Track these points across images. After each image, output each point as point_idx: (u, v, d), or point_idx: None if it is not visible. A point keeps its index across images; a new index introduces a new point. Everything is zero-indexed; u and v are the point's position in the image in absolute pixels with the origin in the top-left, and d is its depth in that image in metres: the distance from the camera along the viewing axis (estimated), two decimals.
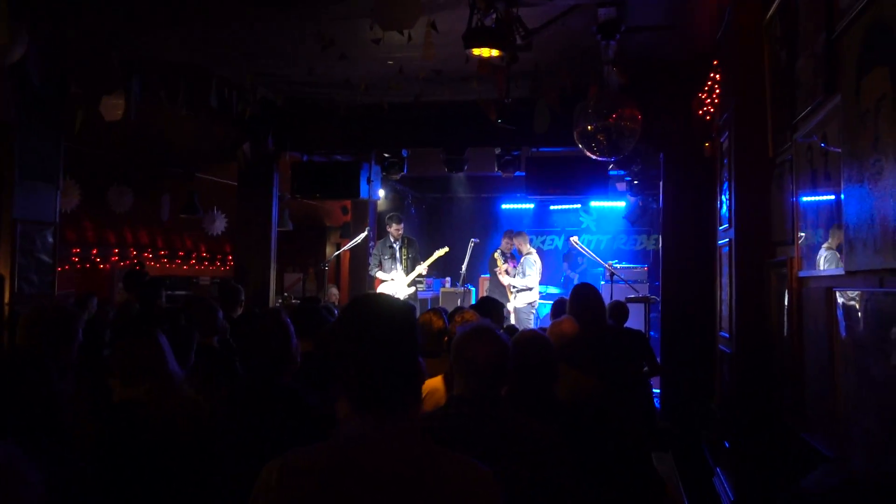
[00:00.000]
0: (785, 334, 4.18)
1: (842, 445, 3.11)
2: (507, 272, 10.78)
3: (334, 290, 11.91)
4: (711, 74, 6.09)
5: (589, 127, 5.87)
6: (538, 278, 10.60)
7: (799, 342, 3.90)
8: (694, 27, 6.14)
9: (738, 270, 4.98)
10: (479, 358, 2.57)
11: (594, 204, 14.08)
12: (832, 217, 3.40)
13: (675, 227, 7.69)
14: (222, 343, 4.96)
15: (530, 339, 3.27)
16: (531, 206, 14.88)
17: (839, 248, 3.23)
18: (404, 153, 9.11)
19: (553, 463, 2.57)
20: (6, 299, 5.83)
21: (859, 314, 2.90)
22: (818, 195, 3.68)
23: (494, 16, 4.86)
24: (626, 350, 5.74)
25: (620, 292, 9.73)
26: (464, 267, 10.98)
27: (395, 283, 9.98)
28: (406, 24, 4.53)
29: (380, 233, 11.36)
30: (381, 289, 9.92)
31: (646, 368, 6.13)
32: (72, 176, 9.20)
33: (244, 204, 9.06)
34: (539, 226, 15.09)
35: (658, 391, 7.51)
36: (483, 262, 12.51)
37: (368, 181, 9.20)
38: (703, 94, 6.33)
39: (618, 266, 11.20)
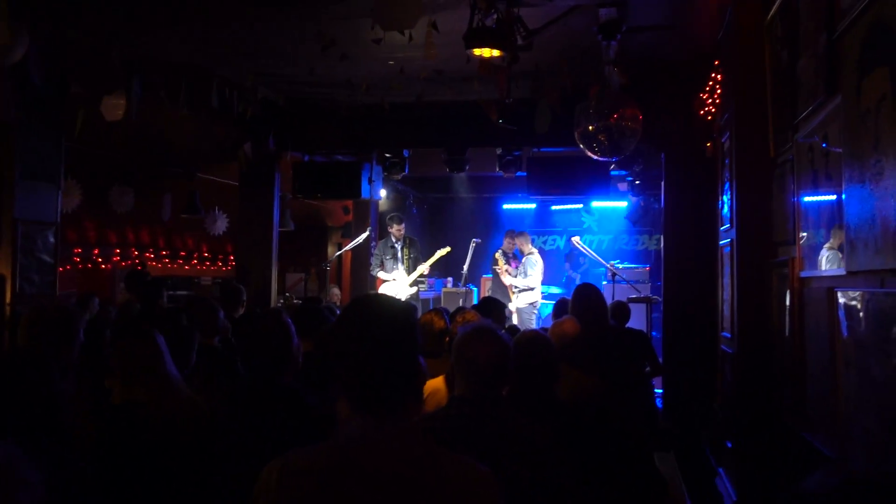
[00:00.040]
0: (786, 334, 4.18)
1: (843, 445, 3.11)
2: (508, 272, 10.77)
3: (336, 291, 11.92)
4: (712, 74, 6.08)
5: (590, 127, 5.86)
6: (540, 278, 10.59)
7: (800, 342, 3.89)
8: (695, 27, 6.14)
9: (740, 270, 4.97)
10: (480, 358, 2.57)
11: (596, 204, 14.07)
12: (834, 217, 3.39)
13: (676, 228, 7.68)
14: (224, 343, 4.96)
15: (531, 340, 3.27)
16: (533, 206, 14.88)
17: (841, 248, 3.22)
18: (406, 153, 9.11)
19: (553, 463, 2.57)
20: (7, 299, 5.83)
21: (860, 314, 2.90)
22: (819, 195, 3.67)
23: (495, 16, 4.86)
24: (627, 350, 5.73)
25: (622, 292, 9.73)
26: (465, 267, 10.97)
27: (397, 283, 9.98)
28: (407, 25, 4.53)
29: (381, 233, 11.35)
30: (382, 289, 9.92)
31: (648, 369, 6.12)
32: (73, 176, 9.20)
33: (245, 204, 9.06)
34: (541, 226, 15.08)
35: (660, 391, 7.51)
36: (485, 263, 12.51)
37: (370, 181, 9.20)
38: (704, 94, 6.32)
39: (619, 266, 11.20)
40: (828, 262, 3.48)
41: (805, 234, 3.92)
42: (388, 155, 9.09)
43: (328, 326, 4.31)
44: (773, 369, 4.59)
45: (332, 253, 13.06)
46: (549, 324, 5.25)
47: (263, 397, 2.93)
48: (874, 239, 2.68)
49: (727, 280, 5.42)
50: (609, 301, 6.54)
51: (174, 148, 9.79)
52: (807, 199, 3.90)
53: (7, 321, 5.73)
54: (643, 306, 9.63)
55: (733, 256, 5.10)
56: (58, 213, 6.36)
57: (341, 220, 13.45)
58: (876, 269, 2.68)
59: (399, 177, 9.51)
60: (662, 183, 7.90)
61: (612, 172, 9.45)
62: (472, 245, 10.96)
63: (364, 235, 10.96)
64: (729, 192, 5.31)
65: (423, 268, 10.06)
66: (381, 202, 11.89)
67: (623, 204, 12.39)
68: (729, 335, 5.38)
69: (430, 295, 11.89)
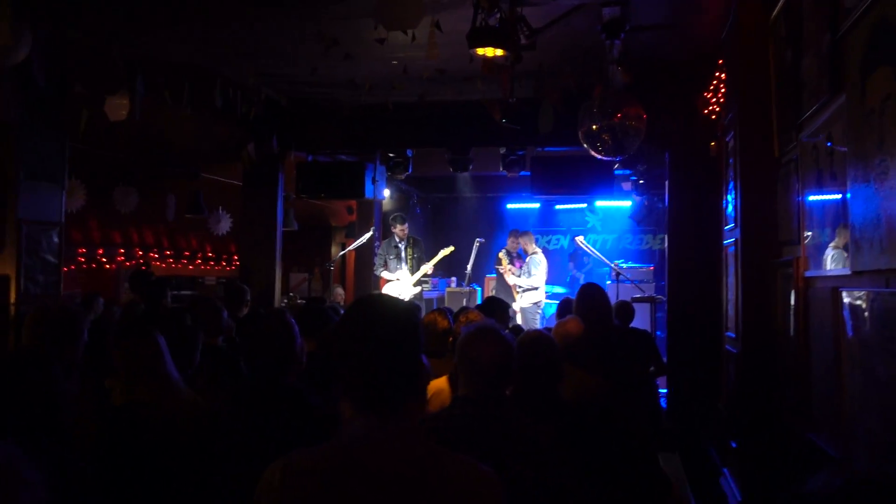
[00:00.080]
0: (791, 334, 4.17)
1: (847, 446, 3.10)
2: (512, 272, 10.76)
3: (340, 290, 11.92)
4: (716, 74, 6.07)
5: (594, 126, 5.85)
6: (544, 278, 10.58)
7: (805, 342, 3.88)
8: (698, 26, 6.13)
9: (744, 270, 4.97)
10: (484, 358, 2.57)
11: (600, 203, 14.06)
12: (838, 216, 3.38)
13: (680, 227, 7.68)
14: (228, 343, 4.97)
15: (535, 340, 3.26)
16: (536, 205, 14.86)
17: (846, 248, 3.21)
18: (409, 153, 9.11)
19: (557, 463, 2.56)
20: (12, 299, 5.84)
21: (865, 314, 2.89)
22: (824, 195, 3.67)
23: (498, 15, 4.85)
24: (631, 350, 5.73)
25: (626, 292, 9.72)
26: (469, 267, 10.98)
27: (401, 282, 9.98)
28: (409, 24, 4.53)
29: (385, 232, 11.35)
30: (386, 289, 9.92)
31: (652, 368, 6.12)
32: (77, 176, 9.20)
33: (249, 204, 9.06)
34: (544, 225, 15.06)
35: (664, 391, 7.50)
36: (488, 262, 12.50)
37: (373, 181, 9.20)
38: (708, 94, 6.32)
39: (623, 266, 11.19)
40: (833, 261, 3.47)
41: (810, 233, 3.91)
42: (391, 155, 9.09)
43: (332, 326, 4.31)
44: (777, 369, 4.58)
45: (336, 253, 13.07)
46: (553, 323, 5.24)
47: (267, 397, 2.93)
48: (879, 238, 2.67)
49: (731, 280, 5.41)
50: (613, 301, 6.53)
51: (178, 148, 9.80)
52: (811, 198, 3.89)
53: (12, 321, 5.75)
54: (647, 306, 9.63)
55: (737, 256, 5.09)
56: (62, 214, 6.37)
57: (345, 219, 13.46)
58: (881, 268, 2.68)
59: (402, 176, 9.50)
60: (666, 182, 7.89)
61: (616, 172, 9.44)
62: (476, 245, 10.96)
63: (367, 235, 10.96)
64: (733, 192, 5.30)
65: (427, 267, 10.06)
66: (384, 202, 11.88)
67: (627, 203, 12.38)
68: (733, 335, 5.37)
69: (434, 295, 11.88)
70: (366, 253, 11.63)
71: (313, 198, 9.69)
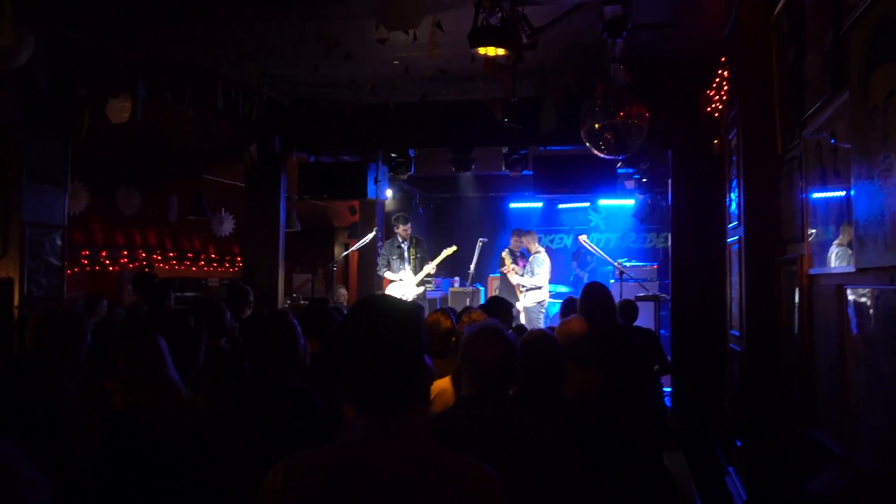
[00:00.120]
0: (795, 332, 4.16)
1: (852, 443, 3.09)
2: (515, 271, 10.75)
3: (343, 291, 11.92)
4: (719, 71, 6.06)
5: (596, 125, 5.84)
6: (547, 277, 10.57)
7: (809, 340, 3.87)
8: (700, 24, 6.11)
9: (748, 268, 4.95)
10: (486, 358, 2.57)
11: (603, 202, 14.06)
12: (842, 214, 3.37)
13: (684, 225, 7.66)
14: (231, 344, 4.97)
15: (538, 339, 3.26)
16: (539, 204, 14.86)
17: (850, 245, 3.20)
18: (411, 153, 9.10)
19: (560, 463, 2.56)
20: (15, 302, 5.85)
21: (870, 311, 2.88)
22: (828, 192, 3.66)
23: (500, 14, 4.85)
24: (635, 349, 5.71)
25: (630, 290, 9.70)
26: (472, 266, 10.97)
27: (404, 283, 9.98)
28: (411, 24, 4.52)
29: (388, 233, 11.35)
30: (389, 289, 9.92)
31: (656, 367, 6.10)
32: (80, 178, 9.22)
33: (251, 205, 9.07)
34: (547, 224, 15.06)
35: (669, 390, 7.48)
36: (492, 262, 12.50)
37: (376, 181, 9.19)
38: (710, 92, 6.30)
39: (627, 264, 11.17)
40: (837, 258, 3.46)
41: (813, 230, 3.90)
42: (393, 155, 9.09)
43: (335, 327, 4.31)
44: (781, 367, 4.56)
45: (339, 253, 13.07)
46: (557, 323, 5.23)
47: (269, 398, 2.93)
48: (884, 235, 2.66)
49: (735, 278, 5.40)
50: (617, 299, 6.52)
51: (180, 149, 9.81)
52: (815, 195, 3.88)
53: (15, 324, 5.75)
54: (651, 304, 9.61)
55: (741, 254, 5.08)
56: (65, 216, 6.37)
57: (348, 220, 13.46)
58: (885, 265, 2.67)
59: (405, 176, 9.51)
60: (670, 180, 7.88)
61: (619, 170, 9.43)
62: (479, 244, 10.95)
63: (370, 235, 10.96)
64: (736, 190, 5.29)
65: (430, 267, 10.06)
66: (387, 202, 11.88)
67: (630, 202, 12.35)
68: (737, 333, 5.36)
69: (437, 294, 11.88)
70: (369, 253, 11.63)
71: (316, 198, 9.69)
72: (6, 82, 5.64)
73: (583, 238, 11.16)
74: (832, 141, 3.50)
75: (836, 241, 3.49)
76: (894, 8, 2.56)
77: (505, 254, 11.03)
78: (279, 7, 5.58)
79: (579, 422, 3.09)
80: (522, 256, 10.98)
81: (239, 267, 12.25)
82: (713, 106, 6.26)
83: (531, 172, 8.78)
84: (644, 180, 10.32)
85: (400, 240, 10.13)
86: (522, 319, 10.09)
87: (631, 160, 8.88)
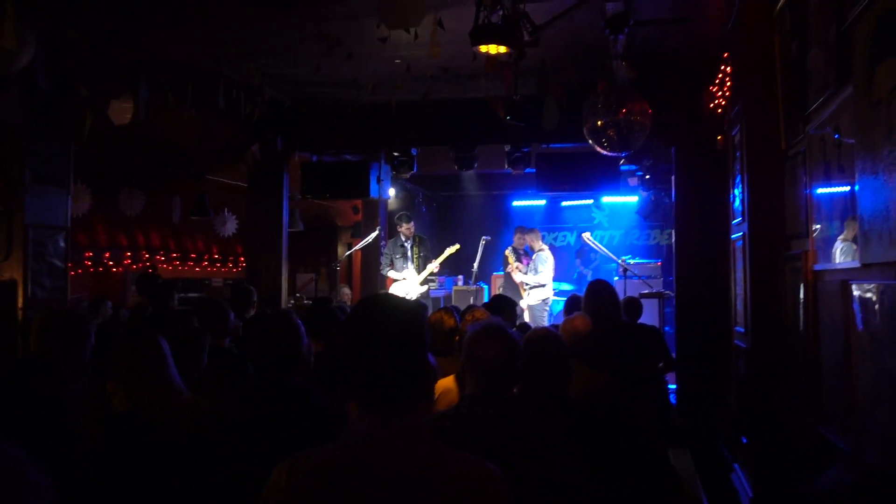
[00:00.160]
0: (800, 328, 4.14)
1: (859, 439, 3.07)
2: (519, 269, 10.74)
3: (346, 290, 11.92)
4: (722, 67, 6.04)
5: (598, 122, 5.83)
6: (551, 275, 10.55)
7: (815, 336, 3.86)
8: (702, 20, 6.09)
9: (753, 264, 4.94)
10: (489, 357, 2.56)
11: (606, 199, 14.04)
12: (847, 209, 3.36)
13: (688, 222, 7.64)
14: (236, 343, 4.97)
15: (542, 337, 3.25)
16: (542, 202, 14.84)
17: (855, 240, 3.19)
18: (414, 152, 9.09)
19: (564, 461, 2.55)
20: (19, 304, 5.86)
21: (876, 307, 2.87)
22: (832, 187, 3.64)
23: (501, 12, 4.83)
24: (640, 346, 5.70)
25: (634, 288, 9.69)
26: (476, 265, 10.97)
27: (408, 281, 9.97)
28: (411, 23, 4.51)
29: (391, 232, 11.35)
30: (393, 288, 9.92)
31: (661, 364, 6.08)
32: (82, 180, 9.22)
33: (254, 205, 9.06)
34: (551, 222, 15.05)
35: (674, 387, 7.47)
36: (495, 260, 12.49)
37: (378, 180, 9.19)
38: (713, 87, 6.28)
39: (631, 262, 11.15)
40: (842, 254, 3.45)
41: (818, 226, 3.88)
42: (396, 154, 9.08)
43: (337, 326, 4.30)
44: (786, 363, 4.55)
45: (342, 253, 13.06)
46: (561, 320, 5.22)
47: (272, 398, 2.93)
48: (889, 230, 2.65)
49: (740, 274, 5.39)
50: (621, 297, 6.51)
51: (182, 150, 9.81)
52: (819, 191, 3.86)
53: (19, 326, 5.76)
54: (655, 301, 9.60)
55: (746, 250, 5.07)
56: (68, 218, 6.38)
57: (351, 219, 13.45)
58: (891, 260, 2.65)
59: (407, 175, 9.49)
60: (673, 177, 7.86)
61: (622, 167, 9.41)
62: (482, 243, 10.94)
63: (373, 235, 10.95)
64: (740, 186, 5.28)
65: (434, 265, 10.05)
66: (389, 201, 11.87)
67: (633, 199, 12.34)
68: (742, 329, 5.34)
69: (441, 293, 11.88)
70: (372, 252, 11.62)
71: (318, 198, 9.69)
72: (8, 84, 5.64)
73: (586, 235, 11.15)
74: (836, 136, 3.49)
75: (840, 237, 3.47)
76: None
77: (508, 252, 11.02)
78: (279, 7, 5.57)
79: (583, 419, 3.09)
80: (526, 254, 10.97)
81: (242, 267, 12.27)
82: (716, 102, 6.24)
83: (534, 170, 8.77)
84: (647, 177, 10.30)
85: (403, 239, 10.13)
86: (526, 318, 10.07)
87: (634, 157, 8.87)
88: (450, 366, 3.95)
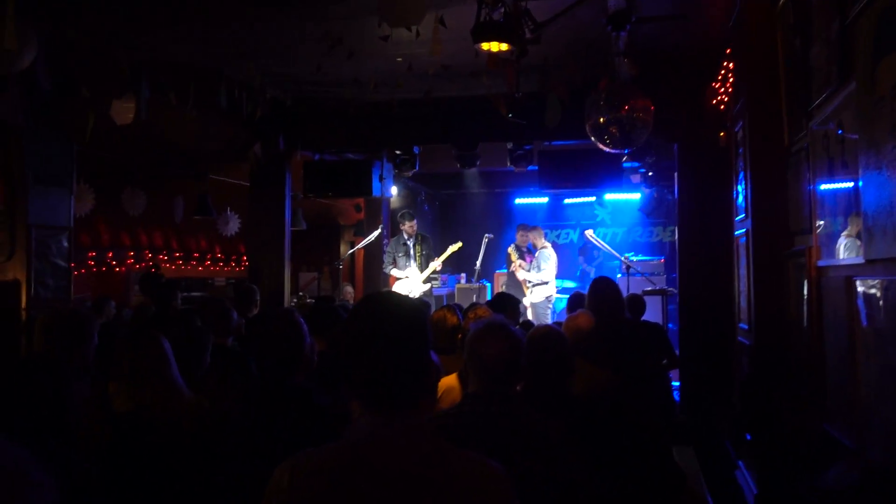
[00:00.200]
0: (804, 325, 4.14)
1: (863, 436, 3.07)
2: (522, 267, 10.73)
3: (349, 289, 11.93)
4: (724, 64, 6.03)
5: (601, 119, 5.82)
6: (554, 272, 10.54)
7: (819, 332, 3.85)
8: (704, 16, 6.08)
9: (756, 261, 4.93)
10: (492, 354, 2.56)
11: (609, 196, 14.02)
12: (851, 205, 3.35)
13: (691, 219, 7.63)
14: (239, 342, 4.97)
15: (545, 335, 3.25)
16: (545, 200, 14.83)
17: (859, 236, 3.18)
18: (416, 150, 9.09)
19: (567, 458, 2.55)
20: (23, 304, 5.87)
21: (880, 302, 2.86)
22: (836, 183, 3.63)
23: (502, 10, 4.83)
24: (643, 343, 5.69)
25: (637, 285, 9.69)
26: (478, 263, 10.96)
27: (410, 280, 9.97)
28: (413, 21, 4.50)
29: (393, 230, 11.35)
30: (396, 286, 9.92)
31: (665, 361, 6.08)
32: (85, 180, 9.23)
33: (256, 204, 9.06)
34: (553, 220, 15.04)
35: (677, 384, 7.46)
36: (498, 258, 12.48)
37: (381, 179, 9.19)
38: (716, 84, 6.27)
39: (634, 259, 11.15)
40: (846, 250, 3.44)
41: (822, 222, 3.87)
42: (398, 152, 9.08)
43: (340, 325, 4.30)
44: (790, 360, 4.54)
45: (345, 251, 13.07)
46: (564, 318, 5.22)
47: (275, 397, 2.92)
48: (893, 226, 2.64)
49: (743, 271, 5.38)
50: (624, 294, 6.50)
51: (184, 149, 9.81)
52: (823, 187, 3.85)
53: (22, 326, 5.77)
54: (658, 299, 9.60)
55: (749, 247, 5.06)
56: (71, 218, 6.39)
57: (353, 218, 13.45)
58: (895, 256, 2.64)
59: (410, 174, 9.49)
60: (676, 174, 7.84)
61: (625, 164, 9.40)
62: (485, 240, 10.94)
63: (376, 233, 10.96)
64: (743, 182, 5.26)
65: (436, 264, 10.06)
66: (392, 199, 11.88)
67: (636, 196, 12.33)
68: (746, 326, 5.33)
69: (444, 291, 11.88)
70: (375, 251, 11.63)
71: (321, 197, 9.69)
72: (8, 84, 5.64)
73: (589, 233, 11.14)
74: (839, 132, 3.48)
75: (844, 233, 3.46)
76: None
77: (511, 249, 11.02)
78: (279, 7, 5.57)
79: (587, 417, 3.08)
80: (529, 252, 10.96)
81: (245, 266, 12.26)
82: (719, 98, 6.23)
83: (536, 168, 8.77)
84: (650, 174, 10.29)
85: (405, 237, 10.13)
86: (529, 315, 10.07)
87: (636, 154, 8.85)
88: (453, 364, 3.95)
